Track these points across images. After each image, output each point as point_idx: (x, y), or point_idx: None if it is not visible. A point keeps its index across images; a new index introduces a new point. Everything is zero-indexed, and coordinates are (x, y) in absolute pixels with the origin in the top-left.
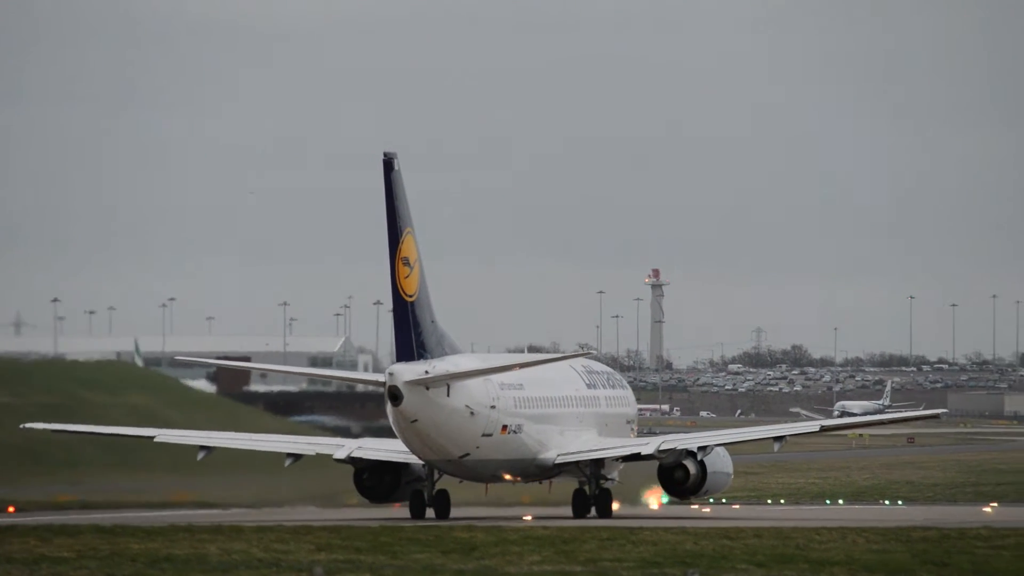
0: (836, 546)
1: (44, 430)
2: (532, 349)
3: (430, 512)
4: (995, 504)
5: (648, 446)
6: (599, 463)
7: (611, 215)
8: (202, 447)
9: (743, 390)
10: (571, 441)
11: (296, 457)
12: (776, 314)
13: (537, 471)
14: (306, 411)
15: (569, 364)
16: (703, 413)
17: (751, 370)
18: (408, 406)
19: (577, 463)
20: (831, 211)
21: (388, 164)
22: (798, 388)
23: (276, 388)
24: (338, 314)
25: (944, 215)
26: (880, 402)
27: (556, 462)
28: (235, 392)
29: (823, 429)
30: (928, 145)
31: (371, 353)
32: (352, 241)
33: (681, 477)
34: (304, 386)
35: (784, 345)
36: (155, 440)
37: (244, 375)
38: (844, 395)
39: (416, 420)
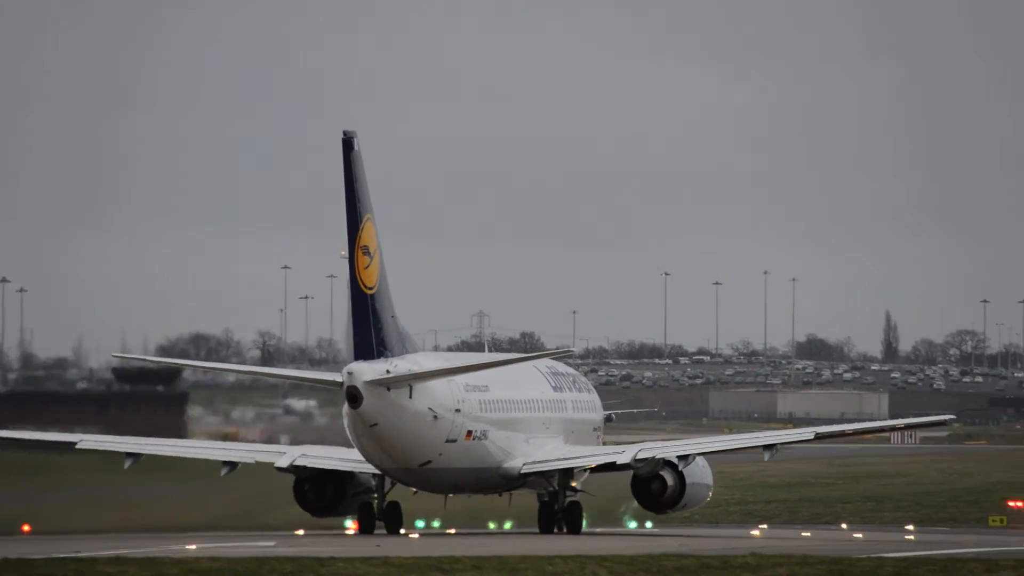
0: None
1: None
2: (198, 338)
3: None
4: (764, 526)
5: (624, 455)
6: (568, 473)
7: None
8: (129, 454)
9: None
10: (537, 449)
11: (232, 466)
12: (501, 295)
13: (501, 481)
14: None
15: (533, 364)
16: None
17: None
18: (368, 408)
19: (544, 473)
20: (567, 170)
21: (348, 143)
22: None
23: None
24: None
25: (703, 170)
26: None
27: (522, 472)
28: None
29: (818, 436)
30: (685, 87)
31: None
32: None
33: (658, 489)
34: None
35: (511, 333)
36: (77, 447)
37: None
38: None
39: (376, 424)
